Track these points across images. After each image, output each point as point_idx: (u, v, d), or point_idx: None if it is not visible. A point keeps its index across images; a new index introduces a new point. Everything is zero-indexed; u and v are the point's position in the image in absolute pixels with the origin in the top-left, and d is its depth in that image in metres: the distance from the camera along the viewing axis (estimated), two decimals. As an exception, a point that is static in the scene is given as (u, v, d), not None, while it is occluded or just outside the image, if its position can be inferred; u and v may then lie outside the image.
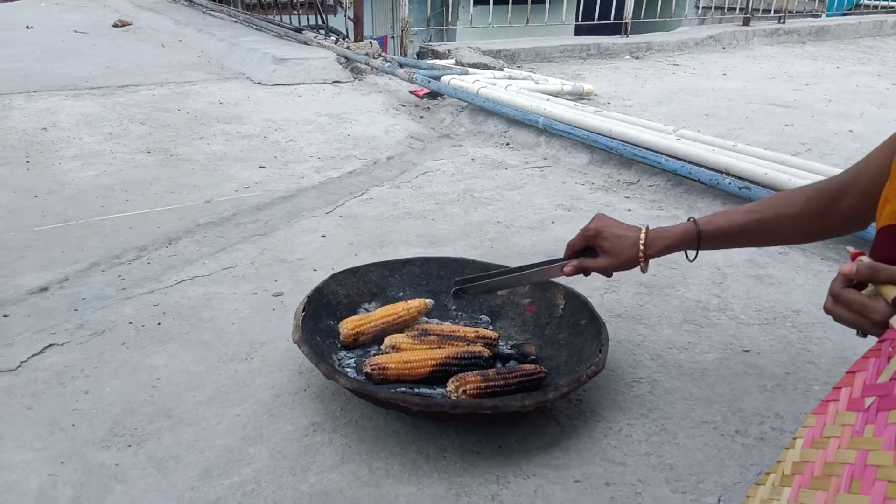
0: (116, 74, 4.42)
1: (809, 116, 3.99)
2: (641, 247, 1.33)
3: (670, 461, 1.33)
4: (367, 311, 1.72)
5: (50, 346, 1.62)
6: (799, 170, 2.54)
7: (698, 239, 1.32)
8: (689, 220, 1.35)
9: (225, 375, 1.55)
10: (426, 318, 1.69)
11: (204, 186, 2.70)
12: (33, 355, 1.58)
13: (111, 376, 1.53)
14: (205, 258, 2.12)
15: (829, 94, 4.56)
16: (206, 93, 4.11)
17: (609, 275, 1.44)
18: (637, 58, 5.86)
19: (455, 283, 1.56)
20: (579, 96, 4.13)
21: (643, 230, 1.35)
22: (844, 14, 8.73)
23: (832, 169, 2.61)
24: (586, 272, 1.43)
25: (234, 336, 1.71)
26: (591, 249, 1.42)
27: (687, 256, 1.36)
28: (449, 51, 5.22)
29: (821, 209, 1.23)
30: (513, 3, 5.78)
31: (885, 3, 8.91)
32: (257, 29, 5.94)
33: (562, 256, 1.49)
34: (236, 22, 6.35)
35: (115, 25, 6.42)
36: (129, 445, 1.33)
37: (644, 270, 1.36)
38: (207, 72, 4.63)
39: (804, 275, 2.09)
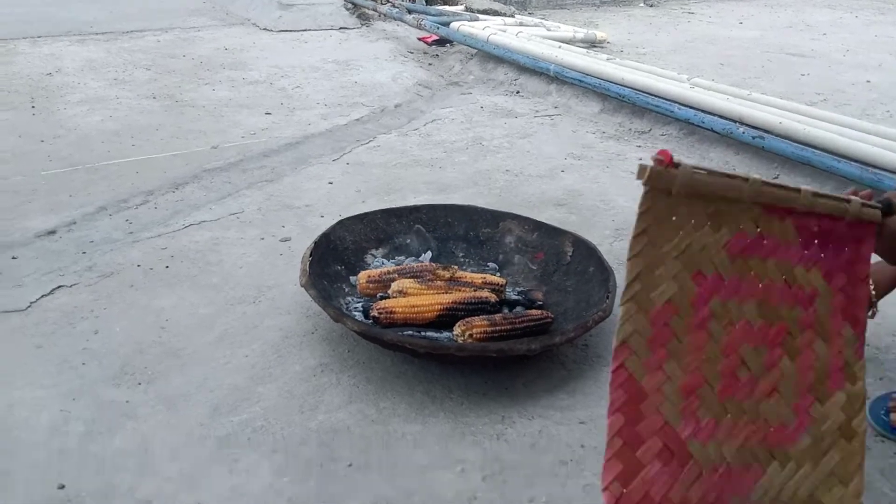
0: (121, 20, 4.36)
1: (826, 66, 3.90)
2: None
3: (675, 405, 1.33)
4: (374, 256, 1.72)
5: (59, 287, 1.63)
6: (814, 119, 2.49)
7: None
8: None
9: (233, 317, 1.56)
10: (434, 264, 1.68)
11: (210, 132, 2.68)
12: (42, 296, 1.59)
13: (120, 317, 1.55)
14: (211, 203, 2.11)
15: (847, 44, 4.46)
16: (212, 38, 4.05)
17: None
18: (651, 5, 5.73)
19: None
20: (592, 44, 4.05)
21: None
22: (866, -38, 8.48)
23: (848, 119, 2.56)
24: None
25: (242, 279, 1.71)
26: None
27: None
28: (458, -3, 5.11)
29: None
30: (524, -52, 5.63)
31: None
32: (263, -26, 5.81)
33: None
34: (242, -33, 6.22)
35: (119, -30, 6.30)
36: (139, 384, 1.35)
37: None
38: (212, 17, 4.56)
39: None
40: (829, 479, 0.87)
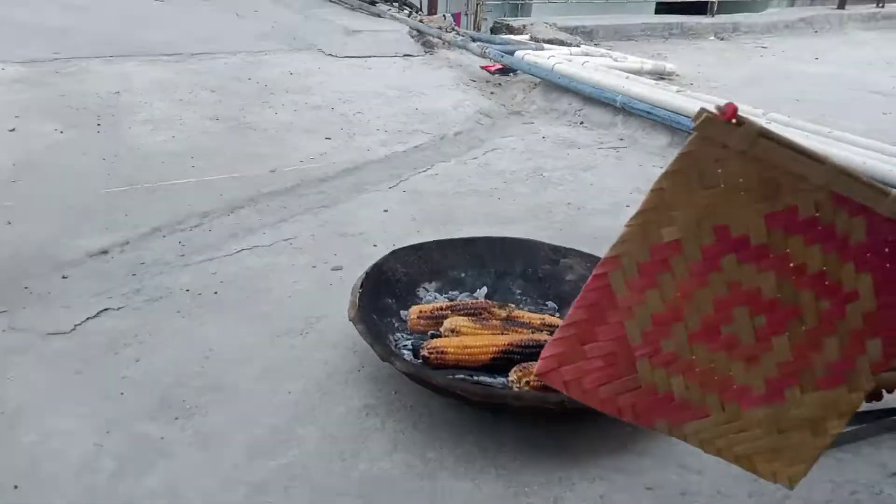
0: (191, 42, 4.43)
1: (911, 104, 3.69)
2: None
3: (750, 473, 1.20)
4: (427, 290, 1.64)
5: (105, 310, 1.60)
6: (901, 159, 2.32)
7: None
8: None
9: (279, 350, 1.50)
10: (489, 301, 1.59)
11: (269, 156, 2.66)
12: (88, 318, 1.56)
13: (164, 345, 1.50)
14: (265, 228, 2.07)
15: (934, 82, 4.21)
16: (278, 63, 4.07)
17: None
18: (722, 39, 5.57)
19: None
20: (660, 75, 3.92)
21: None
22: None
23: (941, 160, 2.37)
24: None
25: (291, 309, 1.65)
26: None
27: None
28: (524, 26, 5.06)
29: None
30: (592, -21, 5.56)
31: None
32: (331, 1, 5.89)
33: None
34: (310, -6, 6.31)
35: (193, -5, 6.48)
36: (177, 418, 1.29)
37: None
38: (280, 42, 4.60)
39: None
40: (773, 453, 0.89)
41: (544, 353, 0.87)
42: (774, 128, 2.43)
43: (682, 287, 0.82)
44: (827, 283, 0.81)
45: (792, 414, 0.86)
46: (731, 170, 0.77)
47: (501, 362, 1.34)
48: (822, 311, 0.82)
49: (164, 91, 3.37)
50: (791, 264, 0.80)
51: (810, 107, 3.52)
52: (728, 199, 0.79)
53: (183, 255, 1.88)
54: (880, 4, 6.89)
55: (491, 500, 1.13)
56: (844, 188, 0.77)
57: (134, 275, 1.76)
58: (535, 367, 1.28)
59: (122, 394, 1.33)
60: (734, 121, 0.74)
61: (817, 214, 0.78)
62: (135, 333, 1.52)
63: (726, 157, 0.76)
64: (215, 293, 1.71)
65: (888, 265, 0.80)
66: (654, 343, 0.84)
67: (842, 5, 6.66)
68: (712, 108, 0.75)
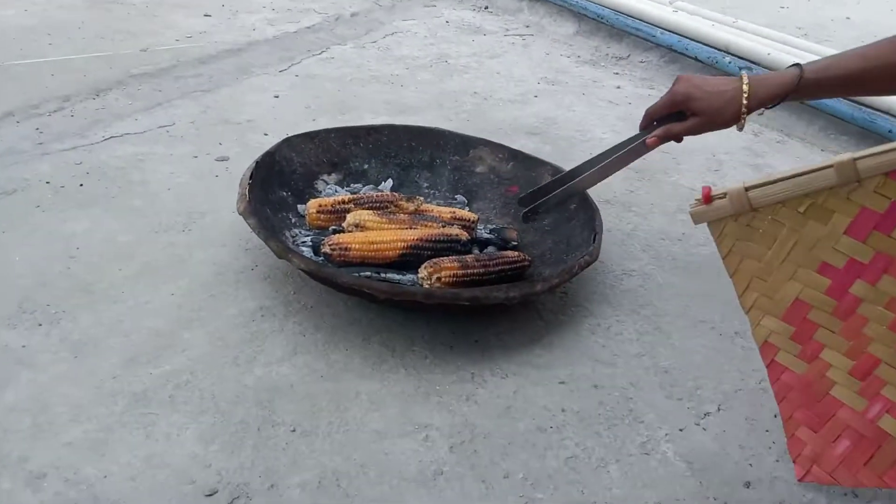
0: None
1: (805, 0, 3.73)
2: (745, 101, 1.08)
3: (665, 364, 1.18)
4: (327, 182, 1.50)
5: (-54, 204, 1.37)
6: (803, 52, 2.33)
7: (797, 87, 1.07)
8: (792, 65, 1.11)
9: (157, 248, 1.34)
10: (395, 194, 1.47)
11: (140, 33, 2.36)
12: (-76, 214, 1.33)
13: (21, 242, 1.30)
14: (138, 114, 1.84)
15: (826, -21, 4.28)
16: (146, -71, 3.61)
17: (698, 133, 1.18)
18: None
19: (519, 202, 1.30)
20: (564, -38, 3.77)
21: (744, 81, 1.09)
22: None
23: (835, 52, 2.40)
24: (677, 139, 1.15)
25: (170, 203, 1.47)
26: (675, 115, 1.14)
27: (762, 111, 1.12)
28: None
29: None
30: None
31: None
32: None
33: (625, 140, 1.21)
34: None
35: None
36: (40, 324, 1.12)
37: (741, 128, 1.12)
38: None
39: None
40: None
41: (792, 454, 0.84)
42: (681, 17, 2.34)
43: (847, 333, 0.77)
44: None
45: None
46: (766, 223, 0.75)
47: (411, 258, 1.24)
48: None
49: (10, -45, 2.91)
50: None
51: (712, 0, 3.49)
52: (796, 244, 0.75)
53: (41, 144, 1.64)
54: None
55: (400, 400, 1.06)
56: (882, 167, 0.69)
57: (-19, 164, 1.52)
58: (446, 262, 1.19)
59: (-30, 299, 1.15)
60: (719, 196, 0.75)
61: (891, 199, 0.70)
62: (-16, 231, 1.31)
63: (750, 219, 0.76)
64: (80, 185, 1.50)
65: None
66: (878, 396, 0.77)
67: None
68: (694, 200, 0.78)
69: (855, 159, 0.70)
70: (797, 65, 1.06)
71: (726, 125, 1.09)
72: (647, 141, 1.14)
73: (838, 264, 0.75)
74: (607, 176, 1.21)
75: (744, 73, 1.10)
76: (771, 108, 1.08)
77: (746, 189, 0.75)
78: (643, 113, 1.15)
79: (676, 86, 1.12)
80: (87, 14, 2.48)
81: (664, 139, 1.13)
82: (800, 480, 0.85)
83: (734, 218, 0.77)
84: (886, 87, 1.14)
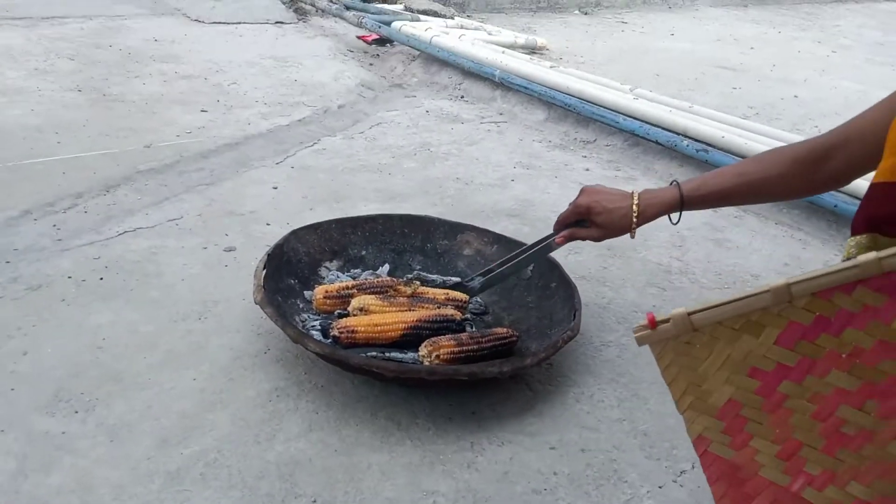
0: (40, 4, 4.07)
1: (756, 80, 4.03)
2: (634, 219, 1.31)
3: (643, 427, 1.32)
4: (329, 269, 1.64)
5: (-20, 301, 1.49)
6: (754, 133, 2.56)
7: (681, 204, 1.30)
8: (672, 183, 1.32)
9: (177, 336, 1.46)
10: (394, 279, 1.62)
11: (142, 130, 2.53)
12: (-38, 312, 1.45)
13: (52, 336, 1.42)
14: (147, 208, 1.98)
15: (774, 59, 4.62)
16: (140, 28, 3.83)
17: (598, 240, 1.41)
18: (586, 13, 5.80)
19: (465, 283, 1.59)
20: (532, 50, 4.05)
21: (634, 200, 1.32)
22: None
23: (784, 133, 2.64)
24: (583, 239, 1.42)
25: (185, 294, 1.60)
26: (582, 221, 1.39)
27: (671, 220, 1.34)
28: (397, -4, 5.03)
29: (807, 170, 1.22)
30: (463, -50, 5.60)
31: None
32: (192, -38, 5.57)
33: (546, 233, 1.50)
34: (168, -47, 5.94)
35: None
36: (76, 412, 1.23)
37: (633, 237, 1.34)
38: (139, 6, 4.32)
39: (760, 239, 2.12)
40: None
41: None
42: (641, 104, 2.59)
43: (774, 423, 0.83)
44: (893, 343, 0.78)
45: None
46: (704, 340, 0.81)
47: (411, 338, 1.38)
48: None
49: (14, 59, 3.10)
50: (843, 355, 0.79)
51: (669, 82, 3.77)
52: (730, 355, 0.81)
53: (60, 240, 1.76)
54: (724, -16, 7.40)
55: (407, 469, 1.17)
56: (813, 290, 0.76)
57: (8, 262, 1.63)
58: (444, 341, 1.34)
59: (12, 390, 1.25)
60: (662, 321, 0.80)
61: (815, 314, 0.78)
62: (18, 325, 1.43)
63: (689, 337, 0.81)
64: (101, 279, 1.63)
65: None
66: (801, 472, 0.84)
67: (691, -16, 7.10)
68: (638, 325, 0.82)
69: (790, 284, 0.77)
70: (676, 182, 1.31)
71: (620, 234, 1.36)
72: (556, 240, 1.43)
73: (768, 368, 0.82)
74: (529, 265, 1.59)
75: (635, 192, 1.34)
76: (676, 221, 1.34)
77: (689, 314, 0.81)
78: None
79: (580, 198, 1.41)
80: (90, 112, 2.64)
81: (570, 240, 1.42)
82: None
83: (675, 337, 0.82)
84: (761, 198, 1.42)
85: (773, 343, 0.80)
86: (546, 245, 1.46)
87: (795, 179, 1.24)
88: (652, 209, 1.31)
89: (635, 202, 1.31)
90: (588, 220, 1.37)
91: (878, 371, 0.78)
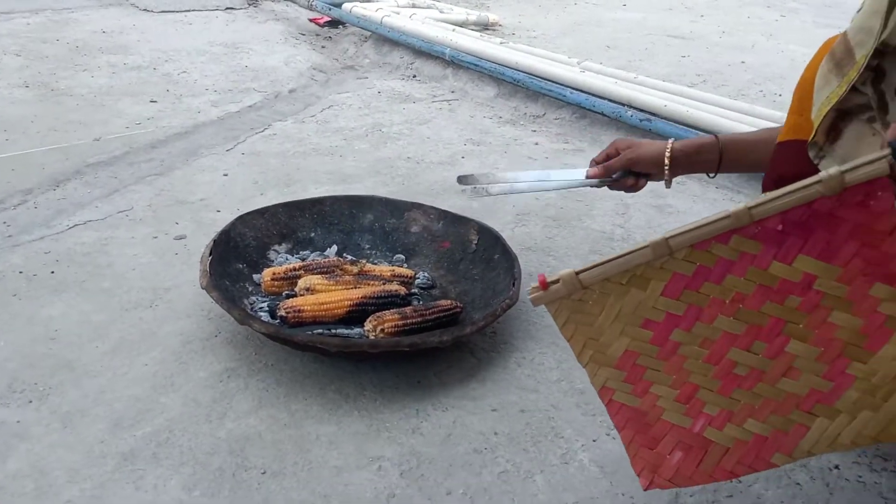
0: (-19, -1, 4.01)
1: (705, 48, 4.10)
2: (667, 160, 1.42)
3: (580, 386, 1.38)
4: (278, 252, 1.68)
5: (-70, 300, 1.50)
6: (696, 101, 2.62)
7: (720, 154, 1.40)
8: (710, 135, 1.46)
9: (129, 324, 1.49)
10: (340, 258, 1.66)
11: (91, 123, 2.53)
12: (-89, 311, 1.46)
13: (4, 329, 1.44)
14: (97, 201, 1.99)
15: (723, 26, 4.69)
16: (87, 20, 3.80)
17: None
18: (540, -13, 5.82)
19: (459, 179, 1.58)
20: (485, 26, 4.08)
21: (668, 144, 1.43)
22: (736, -54, 8.94)
23: (726, 100, 2.71)
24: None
25: (136, 282, 1.63)
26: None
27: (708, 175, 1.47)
28: (349, -23, 5.01)
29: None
30: (414, -72, 5.58)
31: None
32: (139, -51, 5.49)
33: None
34: (115, -59, 5.84)
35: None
36: (30, 401, 1.27)
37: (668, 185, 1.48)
38: (86, -3, 4.27)
39: (701, 203, 2.19)
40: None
41: (636, 469, 0.96)
42: (587, 76, 2.65)
43: (670, 369, 0.89)
44: (774, 288, 0.83)
45: (875, 381, 0.83)
46: (595, 296, 0.86)
47: (357, 314, 1.43)
48: (797, 306, 0.83)
49: (-42, 56, 3.06)
50: (726, 301, 0.84)
51: (620, 53, 3.82)
52: (621, 309, 0.86)
53: (10, 236, 1.78)
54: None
55: (354, 438, 1.23)
56: (690, 242, 0.81)
57: (-44, 261, 1.65)
58: (388, 315, 1.38)
59: (-36, 385, 1.29)
60: (553, 281, 0.85)
61: (696, 264, 0.83)
62: (-32, 322, 1.45)
63: (581, 295, 0.87)
64: (52, 272, 1.65)
65: (807, 239, 0.80)
66: (700, 413, 0.90)
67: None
68: (531, 287, 0.88)
69: (667, 238, 0.83)
70: (715, 136, 1.42)
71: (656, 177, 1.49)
72: (590, 172, 1.51)
73: (658, 319, 0.87)
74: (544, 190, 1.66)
75: (670, 141, 1.44)
76: (713, 176, 1.45)
77: (577, 273, 0.86)
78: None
79: (615, 144, 1.50)
80: (38, 107, 2.63)
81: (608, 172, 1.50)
82: (645, 489, 0.96)
83: (567, 296, 0.88)
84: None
85: (659, 294, 0.86)
86: (576, 181, 1.53)
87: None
88: (681, 155, 1.41)
89: (668, 145, 1.42)
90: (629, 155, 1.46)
91: (761, 314, 0.85)
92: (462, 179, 1.56)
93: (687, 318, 0.87)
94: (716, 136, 1.41)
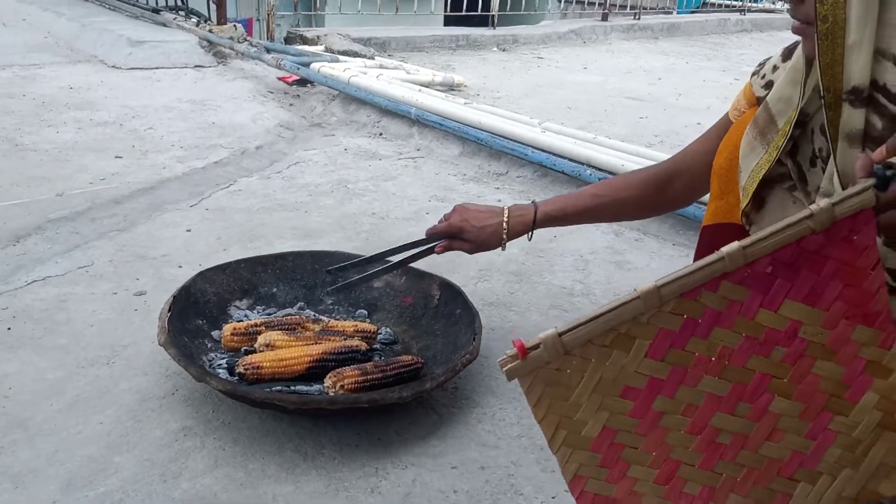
0: (-53, 54, 4.02)
1: (662, 109, 4.25)
2: (505, 235, 1.48)
3: (540, 442, 1.39)
4: (238, 308, 1.68)
5: None
6: (652, 160, 2.71)
7: (534, 223, 1.48)
8: (532, 202, 1.50)
9: (85, 381, 1.47)
10: (302, 314, 1.66)
11: (54, 178, 2.52)
12: None
13: (-47, 389, 1.41)
14: (57, 256, 1.98)
15: (680, 89, 4.88)
16: (55, 77, 3.82)
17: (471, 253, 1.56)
18: (504, 50, 6.01)
19: (327, 271, 1.65)
20: (450, 87, 4.19)
21: (504, 218, 1.46)
22: (693, 12, 9.36)
23: (682, 160, 2.81)
24: (454, 250, 1.55)
25: (94, 339, 1.61)
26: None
27: (528, 237, 1.52)
28: (318, 37, 5.13)
29: (653, 193, 1.40)
30: (382, -9, 5.77)
31: (729, 3, 9.63)
32: (111, 9, 5.57)
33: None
34: (87, 0, 5.92)
35: (-56, -2, 5.80)
36: (-22, 463, 1.23)
37: (503, 249, 1.51)
38: (56, 54, 4.30)
39: (658, 259, 2.24)
40: (879, 469, 0.84)
41: None
42: (548, 136, 2.73)
43: (649, 446, 0.82)
44: (759, 339, 0.79)
45: (856, 435, 0.82)
46: (575, 363, 0.78)
47: (318, 370, 1.43)
48: (782, 358, 0.80)
49: (-80, 110, 3.04)
50: (712, 359, 0.79)
51: (581, 114, 3.95)
52: (602, 377, 0.79)
53: (-35, 292, 1.75)
54: (636, 17, 7.78)
55: (311, 498, 1.21)
56: (679, 291, 0.75)
57: None
58: (348, 371, 1.39)
59: None
60: (533, 346, 0.76)
61: (684, 317, 0.77)
62: (-83, 380, 1.42)
63: (559, 363, 0.77)
64: (8, 329, 1.62)
65: (794, 282, 0.77)
66: (680, 494, 0.84)
67: (605, 18, 7.44)
68: (506, 356, 0.77)
69: (659, 287, 0.75)
70: (534, 202, 1.48)
71: (492, 249, 1.51)
72: (436, 249, 1.54)
73: (640, 385, 0.79)
74: (400, 267, 1.64)
75: (505, 209, 1.49)
76: (530, 238, 1.51)
77: (560, 335, 0.75)
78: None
79: (452, 217, 1.56)
80: (2, 162, 2.62)
81: (447, 250, 1.53)
82: None
83: (545, 365, 0.77)
84: (614, 217, 1.63)
85: (644, 356, 0.78)
86: (428, 249, 1.57)
87: (644, 200, 1.43)
88: (521, 226, 1.46)
89: (505, 219, 1.45)
90: (460, 237, 1.50)
91: (746, 371, 0.79)
92: (330, 272, 1.67)
93: (670, 383, 0.80)
94: (534, 208, 1.47)
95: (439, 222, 1.55)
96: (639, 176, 1.44)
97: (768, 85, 1.13)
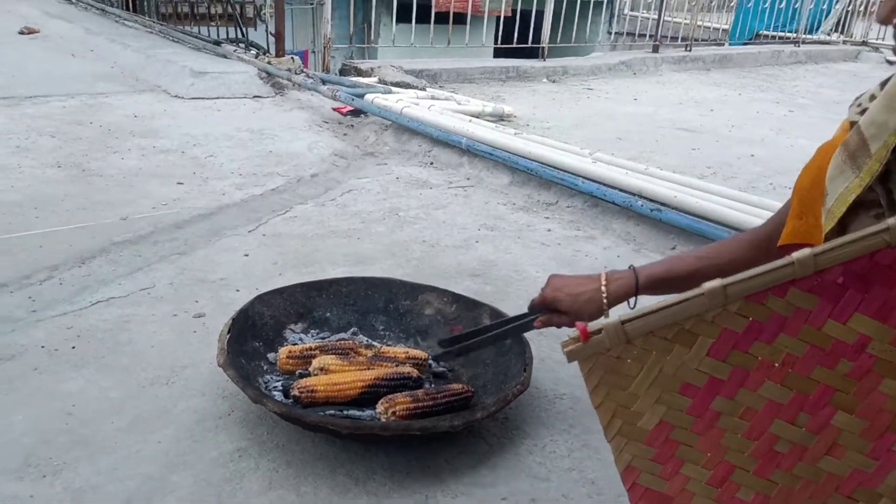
0: (23, 84, 4.22)
1: (714, 141, 4.21)
2: (605, 301, 1.29)
3: (592, 475, 1.38)
4: (294, 331, 1.71)
5: (-47, 373, 1.54)
6: (705, 192, 2.68)
7: (637, 289, 1.32)
8: (629, 268, 1.32)
9: (145, 401, 1.51)
10: (355, 339, 1.69)
11: (119, 203, 2.62)
12: (-65, 383, 1.50)
13: (23, 404, 1.47)
14: (121, 278, 2.05)
15: (732, 120, 4.83)
16: (120, 105, 3.98)
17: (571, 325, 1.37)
18: (554, 81, 6.04)
19: (439, 343, 1.59)
20: (500, 117, 4.23)
21: (603, 283, 1.30)
22: (746, 43, 9.26)
23: (736, 192, 2.78)
24: (558, 326, 1.39)
25: (154, 360, 1.66)
26: None
27: (629, 305, 1.33)
28: (371, 69, 5.24)
29: (763, 254, 1.27)
30: (434, 24, 5.86)
31: (783, 34, 9.51)
32: (174, 41, 5.79)
33: (522, 312, 1.48)
34: (151, 32, 6.17)
35: (22, 33, 6.12)
36: (44, 476, 1.28)
37: (606, 317, 1.33)
38: (121, 84, 4.48)
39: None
40: None
41: None
42: (599, 167, 2.73)
43: (705, 446, 0.81)
44: (826, 350, 0.77)
45: None
46: (636, 352, 0.78)
47: (369, 396, 1.45)
48: (848, 372, 0.77)
49: (-3, 137, 3.20)
50: (775, 364, 0.78)
51: (631, 145, 3.94)
52: (662, 369, 0.78)
53: (34, 311, 1.83)
54: (688, 48, 7.74)
55: (364, 523, 1.22)
56: (746, 291, 0.75)
57: (-18, 334, 1.70)
58: (400, 397, 1.40)
59: (-19, 458, 1.30)
60: (595, 332, 0.76)
61: (749, 319, 0.76)
62: (-11, 395, 1.48)
63: (621, 350, 0.77)
64: (73, 348, 1.68)
65: (865, 295, 0.75)
66: (734, 499, 0.82)
67: (656, 49, 7.41)
68: (568, 338, 0.77)
69: (725, 286, 0.75)
70: (632, 267, 1.29)
71: (592, 318, 1.30)
72: (535, 323, 1.38)
73: (699, 383, 0.79)
74: (504, 340, 1.56)
75: (602, 275, 1.30)
76: (633, 305, 1.28)
77: (623, 323, 0.76)
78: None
79: (546, 291, 1.35)
80: (69, 187, 2.74)
81: (546, 325, 1.37)
82: None
83: (605, 351, 0.78)
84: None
85: (705, 354, 0.77)
86: (526, 323, 1.44)
87: (752, 263, 1.29)
88: (622, 290, 1.28)
89: (604, 283, 1.29)
90: (556, 309, 1.34)
91: (810, 381, 0.78)
92: (442, 343, 1.59)
93: (731, 384, 0.78)
94: (634, 272, 1.29)
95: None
96: (747, 237, 1.31)
97: (863, 112, 1.10)
